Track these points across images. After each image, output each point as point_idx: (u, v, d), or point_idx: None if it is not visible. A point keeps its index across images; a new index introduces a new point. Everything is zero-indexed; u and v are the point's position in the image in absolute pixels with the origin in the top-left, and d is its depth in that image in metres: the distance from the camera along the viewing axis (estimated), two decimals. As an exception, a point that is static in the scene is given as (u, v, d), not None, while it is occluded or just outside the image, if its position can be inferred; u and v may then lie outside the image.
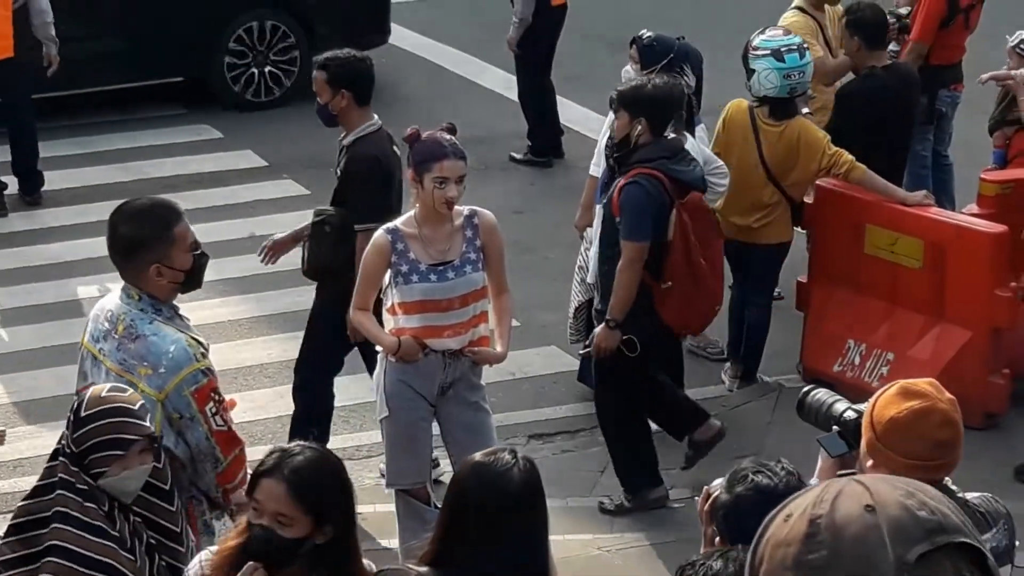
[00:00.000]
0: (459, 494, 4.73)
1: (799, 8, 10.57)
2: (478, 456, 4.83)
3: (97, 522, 4.83)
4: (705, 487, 4.60)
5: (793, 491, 4.39)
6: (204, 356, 5.83)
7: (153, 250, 5.80)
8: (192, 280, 5.98)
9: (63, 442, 4.97)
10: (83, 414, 4.89)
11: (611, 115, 9.21)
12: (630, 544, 8.15)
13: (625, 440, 8.51)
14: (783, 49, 9.02)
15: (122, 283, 5.96)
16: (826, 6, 10.61)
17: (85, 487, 4.89)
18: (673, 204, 7.91)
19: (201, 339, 5.94)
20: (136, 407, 4.95)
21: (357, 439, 8.99)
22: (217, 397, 5.81)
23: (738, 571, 3.68)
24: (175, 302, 6.02)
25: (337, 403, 8.56)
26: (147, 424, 4.96)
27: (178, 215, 5.95)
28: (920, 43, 10.83)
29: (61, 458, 4.96)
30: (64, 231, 11.63)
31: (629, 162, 7.96)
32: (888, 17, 10.14)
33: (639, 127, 7.90)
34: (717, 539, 4.38)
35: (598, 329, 8.11)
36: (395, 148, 8.20)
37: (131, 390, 5.14)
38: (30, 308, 10.57)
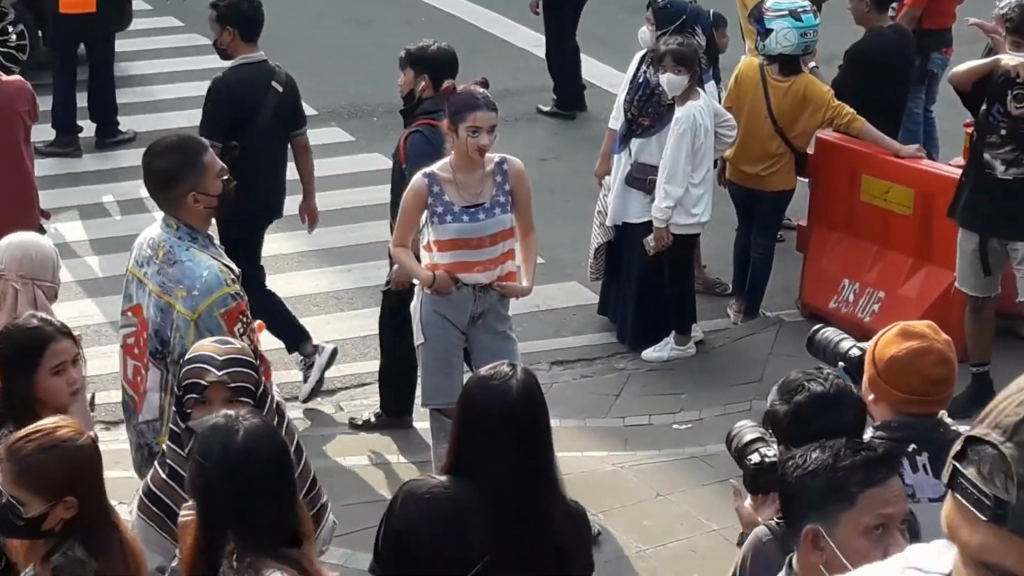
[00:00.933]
0: (466, 406, 4.79)
1: None
2: (482, 371, 4.90)
3: (174, 463, 4.61)
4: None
5: (844, 393, 4.34)
6: (234, 281, 5.78)
7: (187, 179, 5.79)
8: (224, 204, 5.96)
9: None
10: (184, 359, 4.80)
11: (630, 71, 9.17)
12: (642, 461, 8.10)
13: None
14: (799, 10, 9.00)
15: (162, 216, 5.95)
16: None
17: (175, 428, 4.71)
18: None
19: (232, 266, 5.90)
20: (219, 358, 4.73)
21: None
22: (245, 319, 5.76)
23: (836, 455, 3.64)
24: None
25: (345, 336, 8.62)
26: (215, 371, 4.70)
27: (204, 147, 6.01)
28: (913, 8, 10.72)
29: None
30: (131, 171, 11.55)
31: (415, 114, 8.01)
32: None
33: (423, 83, 7.91)
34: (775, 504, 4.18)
35: None
36: (275, 84, 8.45)
37: (235, 342, 4.96)
38: (100, 240, 10.53)
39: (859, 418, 4.43)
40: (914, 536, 3.92)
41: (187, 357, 4.78)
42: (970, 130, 9.39)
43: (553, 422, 7.91)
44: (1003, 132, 8.01)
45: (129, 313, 5.98)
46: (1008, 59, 8.17)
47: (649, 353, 9.10)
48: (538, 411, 4.81)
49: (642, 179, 8.86)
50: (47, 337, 5.10)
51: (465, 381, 5.26)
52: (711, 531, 7.12)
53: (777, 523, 4.09)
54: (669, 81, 8.57)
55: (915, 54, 10.03)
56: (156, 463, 4.84)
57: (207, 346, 4.78)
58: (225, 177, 5.91)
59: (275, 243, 9.58)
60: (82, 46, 12.01)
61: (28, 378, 5.03)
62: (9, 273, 6.10)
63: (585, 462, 8.00)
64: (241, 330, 5.68)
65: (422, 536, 4.62)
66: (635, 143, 8.93)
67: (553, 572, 4.83)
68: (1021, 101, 7.86)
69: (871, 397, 4.48)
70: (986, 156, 8.12)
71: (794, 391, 4.33)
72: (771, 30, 8.94)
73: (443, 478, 4.79)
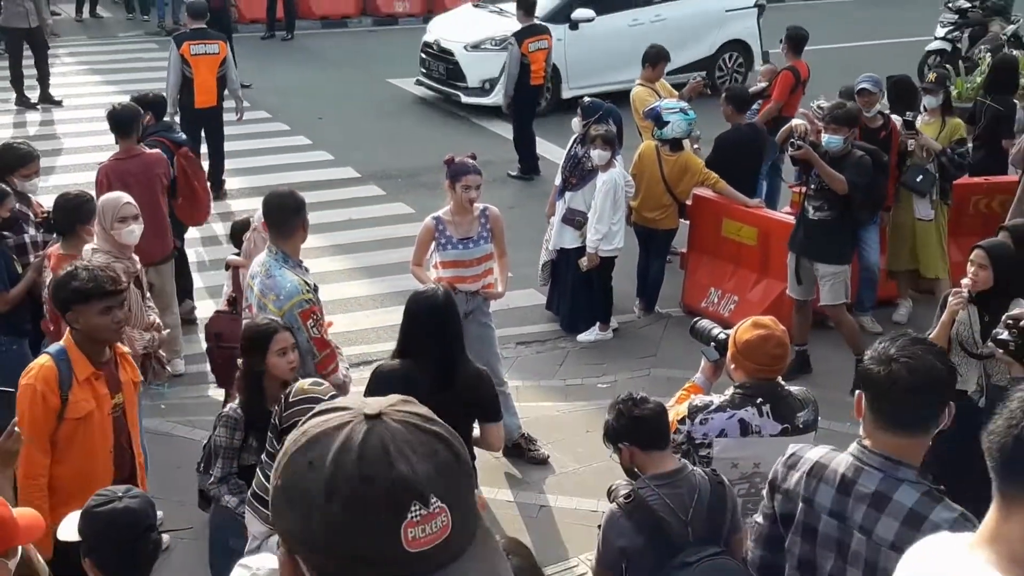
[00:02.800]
0: (410, 311, 5.19)
1: (641, 84, 10.50)
2: (417, 289, 5.35)
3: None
4: None
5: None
6: (309, 291, 5.69)
7: (302, 213, 5.83)
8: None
9: (274, 419, 4.38)
10: (291, 399, 4.29)
11: (567, 149, 9.14)
12: (577, 408, 8.03)
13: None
14: (685, 108, 9.05)
15: (267, 244, 5.89)
16: (656, 83, 10.52)
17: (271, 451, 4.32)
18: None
19: (309, 281, 5.80)
20: (326, 398, 4.22)
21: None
22: (316, 317, 5.68)
23: None
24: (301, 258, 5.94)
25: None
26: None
27: (302, 203, 5.88)
28: (778, 102, 10.70)
29: (269, 433, 4.39)
30: (232, 214, 11.46)
31: (148, 134, 8.37)
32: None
33: (148, 116, 8.44)
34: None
35: None
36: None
37: (326, 384, 4.45)
38: (215, 260, 10.37)
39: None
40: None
41: (293, 399, 4.28)
42: (793, 189, 9.50)
43: (516, 382, 8.06)
44: (814, 187, 8.04)
45: (246, 309, 5.96)
46: (796, 120, 8.42)
47: (582, 336, 9.05)
48: (453, 311, 5.20)
49: (572, 219, 8.83)
50: (273, 330, 5.03)
51: (411, 298, 5.30)
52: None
53: (626, 501, 3.92)
54: (599, 155, 8.53)
55: (766, 139, 9.85)
56: (258, 470, 4.49)
57: (308, 388, 4.31)
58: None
59: (334, 262, 9.54)
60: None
61: (260, 358, 4.95)
62: (262, 226, 6.29)
63: (538, 410, 7.94)
64: (312, 324, 5.64)
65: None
66: (568, 195, 8.87)
67: (471, 419, 5.21)
68: (794, 147, 7.93)
69: (732, 367, 4.46)
70: (805, 203, 8.16)
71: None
72: (668, 122, 8.92)
73: (396, 361, 5.16)
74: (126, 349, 5.21)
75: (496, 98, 13.84)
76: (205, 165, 11.70)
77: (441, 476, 1.27)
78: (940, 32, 16.05)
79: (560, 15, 14.82)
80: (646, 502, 3.86)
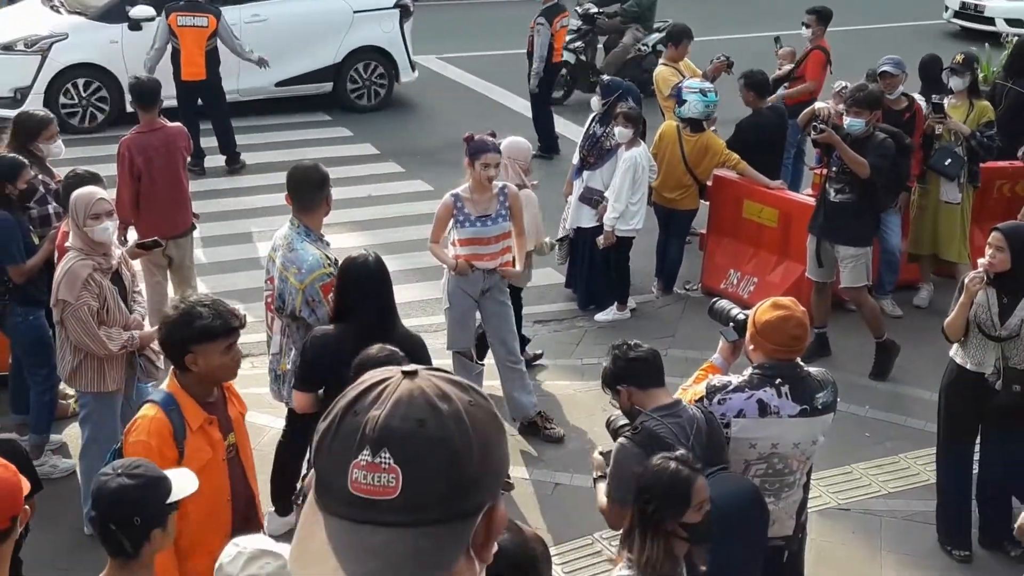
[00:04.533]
0: (344, 275, 5.23)
1: (664, 64, 10.41)
2: (350, 255, 5.31)
3: None
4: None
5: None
6: (330, 265, 5.69)
7: (327, 187, 5.85)
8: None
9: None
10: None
11: (584, 127, 9.11)
12: (592, 388, 7.85)
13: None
14: (705, 90, 8.94)
15: (290, 217, 5.88)
16: (680, 63, 10.41)
17: None
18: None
19: (330, 255, 5.81)
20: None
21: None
22: None
23: None
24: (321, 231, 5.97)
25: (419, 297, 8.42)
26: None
27: (327, 176, 5.91)
28: (815, 82, 10.65)
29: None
30: (253, 189, 11.51)
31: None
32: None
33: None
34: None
35: None
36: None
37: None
38: (230, 235, 10.41)
39: None
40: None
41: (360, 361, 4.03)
42: (814, 171, 9.42)
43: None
44: (835, 169, 7.96)
45: (267, 282, 5.96)
46: (819, 104, 8.32)
47: (599, 316, 9.02)
48: (385, 275, 5.23)
49: (589, 198, 8.80)
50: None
51: (343, 263, 5.33)
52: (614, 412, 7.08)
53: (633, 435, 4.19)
54: (620, 132, 8.49)
55: (787, 121, 9.76)
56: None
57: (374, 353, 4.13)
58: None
59: (353, 238, 9.52)
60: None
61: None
62: (506, 159, 7.07)
63: (556, 387, 7.94)
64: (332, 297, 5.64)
65: (319, 360, 5.08)
66: (586, 174, 8.84)
67: None
68: (816, 131, 7.86)
69: (751, 347, 4.46)
70: (826, 185, 8.09)
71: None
72: (686, 100, 8.86)
73: (330, 325, 5.23)
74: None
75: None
76: (212, 140, 11.71)
77: (408, 441, 1.29)
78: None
79: (115, 13, 12.65)
80: (653, 430, 4.10)
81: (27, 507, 3.48)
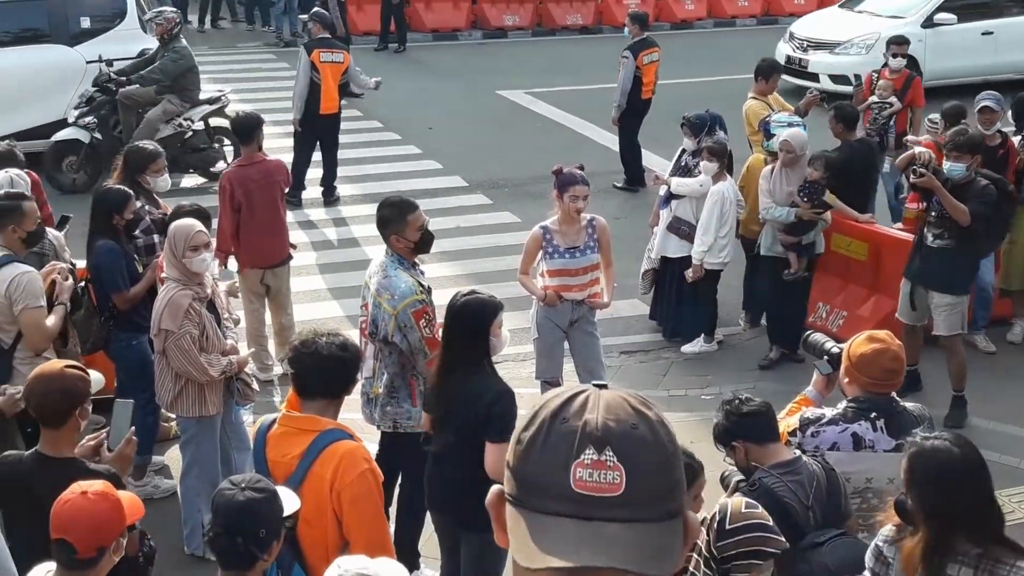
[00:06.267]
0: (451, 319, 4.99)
1: (754, 97, 10.22)
2: (459, 295, 5.08)
3: None
4: None
5: None
6: (422, 292, 5.76)
7: (393, 226, 5.82)
8: (420, 247, 5.94)
9: (709, 546, 3.61)
10: (727, 527, 3.58)
11: (673, 159, 9.08)
12: (680, 420, 7.82)
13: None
14: (794, 123, 8.75)
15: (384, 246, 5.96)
16: (769, 96, 10.26)
17: None
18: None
19: (423, 282, 5.89)
20: (770, 523, 3.59)
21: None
22: (429, 317, 5.74)
23: None
24: (416, 260, 6.01)
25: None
26: (782, 539, 3.58)
27: (413, 207, 5.91)
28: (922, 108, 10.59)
29: (700, 556, 3.63)
30: (348, 220, 11.70)
31: None
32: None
33: None
34: None
35: None
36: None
37: (761, 510, 3.67)
38: (325, 264, 10.58)
39: None
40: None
41: (731, 526, 3.57)
42: (910, 204, 9.23)
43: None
44: (934, 214, 7.62)
45: (362, 308, 6.05)
46: (919, 149, 8.03)
47: (686, 347, 8.97)
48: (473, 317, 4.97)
49: (678, 228, 8.76)
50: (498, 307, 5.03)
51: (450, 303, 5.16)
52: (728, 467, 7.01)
53: (751, 489, 3.99)
54: (705, 167, 8.46)
55: (878, 155, 9.64)
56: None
57: (752, 513, 3.62)
58: (423, 231, 5.87)
59: (442, 268, 9.62)
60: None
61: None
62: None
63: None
64: (424, 324, 5.71)
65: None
66: (674, 203, 8.80)
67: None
68: (915, 175, 7.60)
69: (846, 380, 4.39)
70: (924, 230, 7.75)
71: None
72: (775, 134, 8.72)
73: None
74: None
75: None
76: (316, 172, 11.92)
77: (626, 440, 1.34)
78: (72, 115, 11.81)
79: None
80: (771, 488, 3.92)
81: (125, 538, 3.59)
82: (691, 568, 3.57)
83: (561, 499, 1.32)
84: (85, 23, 12.45)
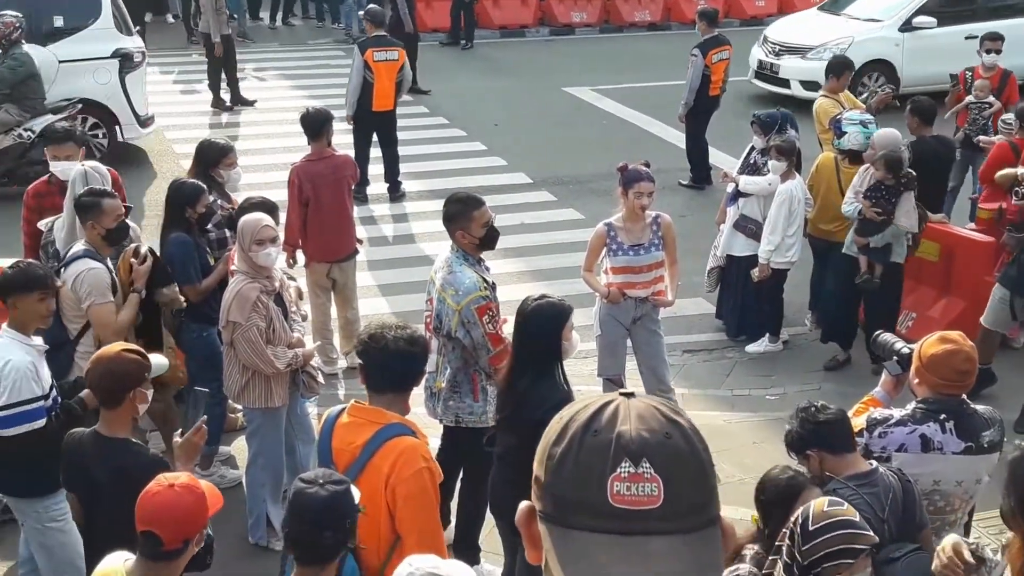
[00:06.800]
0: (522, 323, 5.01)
1: (824, 95, 10.09)
2: (530, 300, 5.07)
3: None
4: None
5: None
6: (486, 288, 5.76)
7: (459, 222, 5.81)
8: (485, 244, 5.92)
9: (792, 550, 3.46)
10: (811, 528, 3.43)
11: (742, 156, 9.00)
12: (744, 419, 7.92)
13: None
14: (866, 122, 8.61)
15: (450, 241, 5.96)
16: (840, 94, 10.09)
17: None
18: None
19: (487, 278, 5.87)
20: (857, 519, 3.49)
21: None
22: (492, 313, 5.73)
23: None
24: (481, 256, 5.99)
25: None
26: (871, 533, 3.46)
27: (479, 203, 5.89)
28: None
29: (783, 562, 3.52)
30: (413, 215, 11.76)
31: None
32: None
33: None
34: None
35: None
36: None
37: (848, 505, 3.56)
38: (390, 259, 10.62)
39: None
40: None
41: (815, 527, 3.43)
42: (984, 205, 9.04)
43: (683, 390, 7.99)
44: None
45: (427, 302, 6.06)
46: (1021, 169, 7.67)
47: (751, 347, 8.89)
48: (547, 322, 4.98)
49: (744, 226, 8.69)
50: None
51: (520, 308, 5.14)
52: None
53: None
54: (774, 166, 8.37)
55: (954, 153, 9.42)
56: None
57: (835, 511, 3.47)
58: (489, 227, 5.86)
59: (506, 265, 9.62)
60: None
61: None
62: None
63: (705, 418, 7.76)
64: (487, 319, 5.70)
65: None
66: (741, 201, 8.73)
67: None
68: (1018, 196, 7.37)
69: (916, 381, 4.32)
70: None
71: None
72: (846, 132, 8.60)
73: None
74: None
75: None
76: (378, 168, 11.96)
77: (662, 450, 1.31)
78: None
79: None
80: (846, 500, 3.79)
81: (207, 528, 3.68)
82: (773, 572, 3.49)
83: (599, 515, 1.28)
84: (59, 22, 12.31)
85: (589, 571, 1.27)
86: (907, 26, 15.34)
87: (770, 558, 3.60)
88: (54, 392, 5.20)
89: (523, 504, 1.39)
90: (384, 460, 4.00)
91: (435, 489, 4.05)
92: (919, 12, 15.42)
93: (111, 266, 6.17)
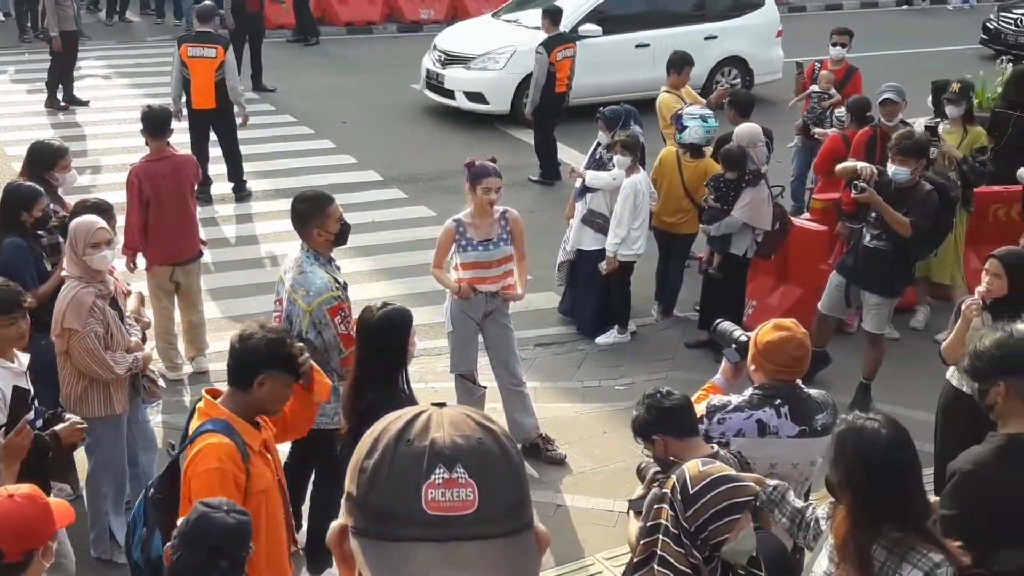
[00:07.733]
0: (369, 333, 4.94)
1: (667, 90, 10.37)
2: (373, 309, 4.99)
3: None
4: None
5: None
6: (338, 289, 5.71)
7: (315, 220, 5.74)
8: (339, 240, 5.88)
9: (679, 519, 3.42)
10: (692, 491, 3.39)
11: (588, 153, 9.13)
12: (594, 410, 8.01)
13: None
14: (705, 116, 8.88)
15: (299, 241, 5.89)
16: (682, 89, 10.38)
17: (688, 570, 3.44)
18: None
19: (339, 278, 5.83)
20: (734, 472, 3.52)
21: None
22: (344, 313, 5.68)
23: None
24: (331, 255, 5.95)
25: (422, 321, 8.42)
26: (751, 484, 3.49)
27: (330, 199, 5.87)
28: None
29: (663, 538, 3.48)
30: (259, 216, 11.54)
31: None
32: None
33: None
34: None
35: None
36: None
37: (719, 462, 3.62)
38: (236, 261, 10.41)
39: None
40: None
41: (702, 485, 3.41)
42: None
43: (535, 384, 8.05)
44: (873, 215, 7.59)
45: (276, 303, 5.97)
46: (861, 163, 7.84)
47: (600, 339, 9.02)
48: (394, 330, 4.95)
49: (592, 220, 8.82)
50: None
51: (362, 315, 5.09)
52: (640, 455, 7.05)
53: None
54: (619, 160, 8.49)
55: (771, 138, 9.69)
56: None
57: (711, 469, 3.48)
58: (342, 223, 5.83)
59: (357, 264, 9.53)
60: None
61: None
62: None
63: (556, 411, 7.92)
64: (339, 320, 5.65)
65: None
66: (589, 196, 8.86)
67: None
68: (857, 190, 7.56)
69: (752, 368, 4.45)
70: (864, 228, 7.76)
71: None
72: (687, 127, 8.84)
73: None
74: None
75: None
76: (221, 167, 11.69)
77: (475, 454, 1.30)
78: None
79: None
80: None
81: (55, 542, 3.56)
82: (659, 551, 3.49)
83: (414, 523, 1.27)
84: None
85: None
86: (573, 34, 13.83)
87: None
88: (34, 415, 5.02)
89: (334, 524, 1.36)
90: (189, 452, 4.02)
91: (226, 493, 3.85)
92: (585, 20, 14.50)
93: None
